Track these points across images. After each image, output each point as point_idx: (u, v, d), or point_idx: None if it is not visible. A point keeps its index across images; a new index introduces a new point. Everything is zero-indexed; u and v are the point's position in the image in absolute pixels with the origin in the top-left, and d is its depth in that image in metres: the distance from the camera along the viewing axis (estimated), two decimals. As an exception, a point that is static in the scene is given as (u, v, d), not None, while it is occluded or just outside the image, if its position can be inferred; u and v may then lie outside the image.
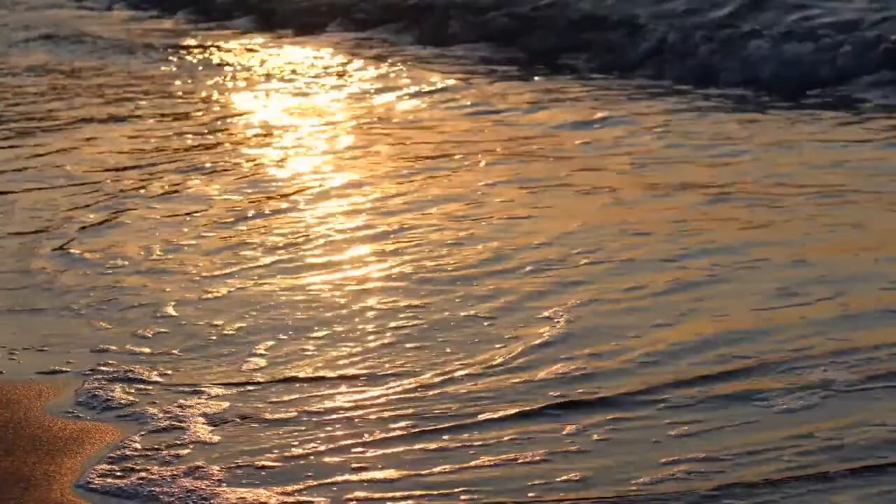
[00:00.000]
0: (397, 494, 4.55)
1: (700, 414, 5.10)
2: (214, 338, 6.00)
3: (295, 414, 5.19)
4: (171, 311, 6.38)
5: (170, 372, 5.60)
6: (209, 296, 6.58)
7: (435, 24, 17.55)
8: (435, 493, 4.57)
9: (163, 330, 6.12)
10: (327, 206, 8.38)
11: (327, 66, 15.07)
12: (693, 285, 6.64)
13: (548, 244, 7.44)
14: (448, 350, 5.85)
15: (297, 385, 5.45)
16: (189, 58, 16.34)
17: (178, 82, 14.16)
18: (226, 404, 5.26)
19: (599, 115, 11.48)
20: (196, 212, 8.20)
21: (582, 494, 4.52)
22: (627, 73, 13.99)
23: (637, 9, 15.69)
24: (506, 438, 4.97)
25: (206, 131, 11.11)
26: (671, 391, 5.33)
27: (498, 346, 5.88)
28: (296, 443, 4.96)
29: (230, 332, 6.10)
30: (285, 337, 6.01)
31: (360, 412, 5.22)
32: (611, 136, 10.54)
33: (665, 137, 10.33)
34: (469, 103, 12.23)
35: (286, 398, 5.32)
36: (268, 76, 14.57)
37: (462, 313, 6.31)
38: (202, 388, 5.41)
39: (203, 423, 5.07)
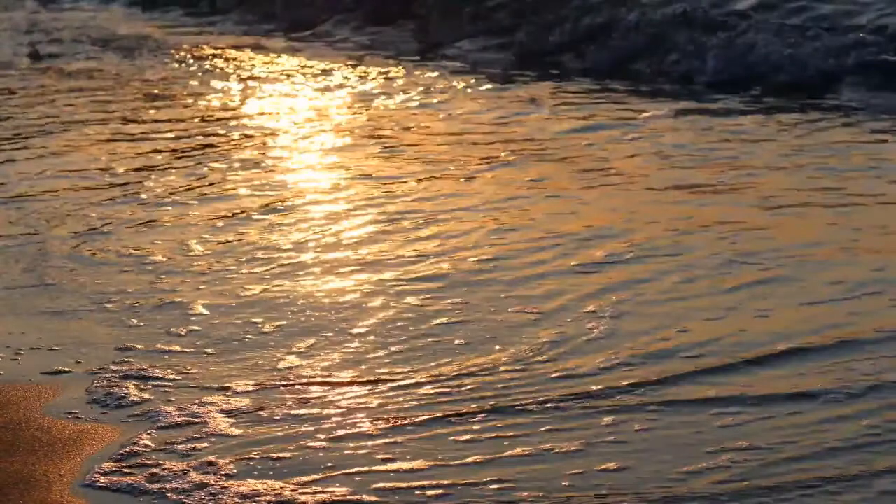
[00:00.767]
0: (424, 483, 4.40)
1: (743, 406, 4.94)
2: (244, 339, 5.85)
3: (319, 410, 5.04)
4: (200, 309, 6.24)
5: (189, 371, 5.45)
6: (236, 296, 6.38)
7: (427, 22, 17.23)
8: (462, 482, 4.40)
9: (194, 328, 5.98)
10: (358, 205, 8.16)
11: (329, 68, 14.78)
12: (740, 280, 6.50)
13: (589, 239, 7.32)
14: (487, 342, 5.72)
15: (327, 384, 5.30)
16: (182, 57, 16.11)
17: (177, 84, 13.91)
18: (246, 401, 5.10)
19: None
20: (218, 212, 7.95)
21: (620, 484, 4.36)
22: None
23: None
24: (542, 429, 4.81)
25: (224, 131, 10.86)
26: (716, 382, 5.19)
27: (541, 339, 5.74)
28: (317, 434, 4.82)
29: (257, 332, 5.93)
30: (318, 338, 5.82)
31: (394, 405, 5.06)
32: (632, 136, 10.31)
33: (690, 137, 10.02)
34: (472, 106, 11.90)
35: (311, 395, 5.17)
36: (268, 77, 14.28)
37: (508, 308, 6.18)
38: (222, 386, 5.26)
39: (219, 420, 4.92)
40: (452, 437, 4.73)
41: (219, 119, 11.70)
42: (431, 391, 5.15)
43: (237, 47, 17.37)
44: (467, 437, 4.74)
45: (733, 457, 4.48)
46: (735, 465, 4.42)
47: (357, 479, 4.43)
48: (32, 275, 6.88)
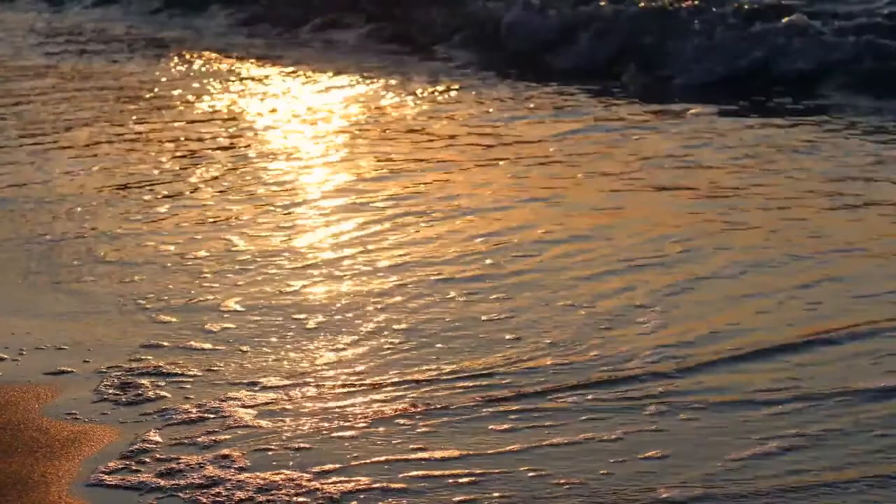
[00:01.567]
0: (455, 472, 4.25)
1: (791, 398, 4.78)
2: (271, 337, 5.66)
3: (349, 402, 4.87)
4: (233, 306, 6.05)
5: (211, 368, 5.28)
6: (266, 296, 6.21)
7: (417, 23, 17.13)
8: (496, 471, 4.26)
9: (228, 326, 5.80)
10: (392, 202, 7.97)
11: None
12: (785, 276, 6.31)
13: (637, 234, 7.14)
14: (533, 335, 5.56)
15: (358, 381, 5.12)
16: (175, 60, 16.08)
17: (177, 88, 13.82)
18: (270, 395, 4.95)
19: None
20: (240, 212, 7.82)
21: (663, 473, 4.21)
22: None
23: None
24: (583, 418, 4.65)
25: (244, 129, 10.74)
26: (762, 372, 5.05)
27: (582, 331, 5.60)
28: (343, 424, 4.66)
29: (288, 329, 5.72)
30: (354, 335, 5.64)
31: (428, 396, 4.90)
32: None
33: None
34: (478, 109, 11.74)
35: (339, 391, 5.00)
36: (268, 79, 14.19)
37: (552, 301, 6.02)
38: (248, 382, 5.08)
39: (241, 413, 4.77)
40: (491, 426, 4.60)
41: (222, 121, 11.53)
42: (470, 384, 5.01)
43: (225, 50, 17.23)
44: (504, 426, 4.61)
45: (780, 445, 4.35)
46: (780, 458, 4.28)
47: (385, 467, 4.29)
48: (50, 274, 6.75)
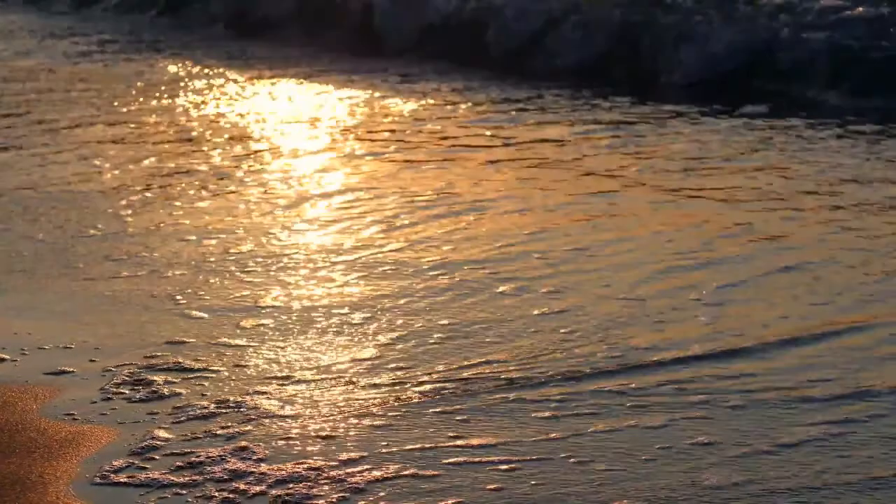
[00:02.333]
0: (493, 458, 4.10)
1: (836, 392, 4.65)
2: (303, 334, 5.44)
3: (379, 393, 4.71)
4: (267, 303, 5.89)
5: (239, 364, 5.09)
6: (297, 295, 6.03)
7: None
8: (534, 457, 4.10)
9: (264, 322, 5.62)
10: (425, 205, 7.81)
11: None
12: (842, 271, 6.22)
13: (686, 230, 7.04)
14: (586, 327, 5.41)
15: (391, 381, 4.91)
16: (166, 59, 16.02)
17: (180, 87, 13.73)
18: (299, 388, 4.78)
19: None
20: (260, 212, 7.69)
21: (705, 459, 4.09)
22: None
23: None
24: (628, 404, 4.52)
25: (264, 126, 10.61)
26: (809, 363, 4.94)
27: (643, 326, 5.45)
28: (375, 412, 4.50)
29: (317, 330, 5.54)
30: (393, 331, 5.46)
31: (467, 385, 4.74)
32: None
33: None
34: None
35: (373, 384, 4.82)
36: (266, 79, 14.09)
37: (600, 294, 5.89)
38: (276, 378, 4.91)
39: (265, 408, 4.58)
40: (533, 413, 4.45)
41: (227, 120, 11.41)
42: (509, 374, 4.85)
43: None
44: (546, 413, 4.46)
45: (828, 433, 4.25)
46: (827, 448, 4.16)
47: (417, 454, 4.15)
48: (61, 272, 6.60)
